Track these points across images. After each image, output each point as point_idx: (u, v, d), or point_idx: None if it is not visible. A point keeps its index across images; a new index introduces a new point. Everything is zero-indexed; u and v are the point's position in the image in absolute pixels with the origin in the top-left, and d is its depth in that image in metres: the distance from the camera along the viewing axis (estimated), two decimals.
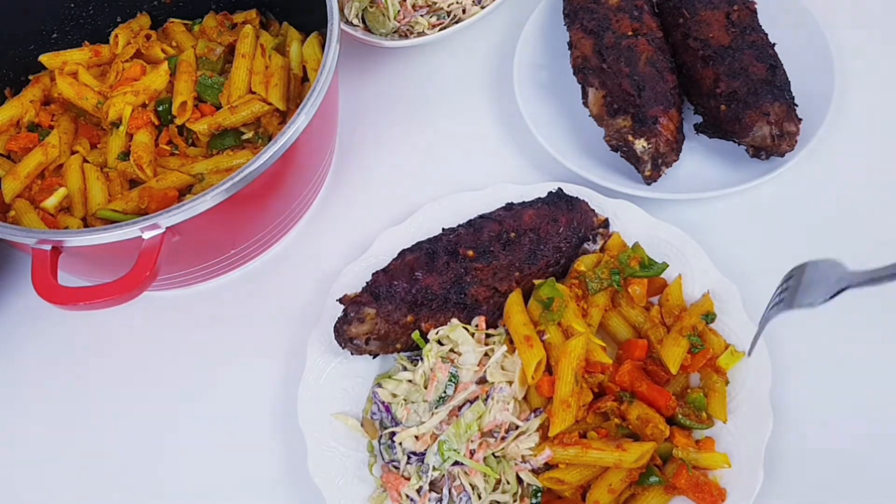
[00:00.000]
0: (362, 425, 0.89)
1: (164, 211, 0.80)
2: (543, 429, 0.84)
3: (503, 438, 0.83)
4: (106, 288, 0.78)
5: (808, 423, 0.86)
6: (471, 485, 0.82)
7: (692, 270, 0.92)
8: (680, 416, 0.83)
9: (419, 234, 0.96)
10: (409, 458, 0.85)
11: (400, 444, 0.85)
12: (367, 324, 0.87)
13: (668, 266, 0.92)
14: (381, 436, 0.87)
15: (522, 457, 0.83)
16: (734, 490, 0.80)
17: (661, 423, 0.82)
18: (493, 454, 0.83)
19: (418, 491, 0.83)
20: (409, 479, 0.84)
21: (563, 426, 0.81)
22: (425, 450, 0.84)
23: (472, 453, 0.83)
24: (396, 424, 0.87)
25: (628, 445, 0.80)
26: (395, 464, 0.85)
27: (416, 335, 0.89)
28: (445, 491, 0.83)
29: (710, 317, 0.89)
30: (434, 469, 0.83)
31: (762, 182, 0.97)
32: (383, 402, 0.88)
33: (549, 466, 0.83)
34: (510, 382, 0.86)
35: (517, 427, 0.84)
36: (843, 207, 1.00)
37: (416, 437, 0.85)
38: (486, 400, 0.84)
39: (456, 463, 0.83)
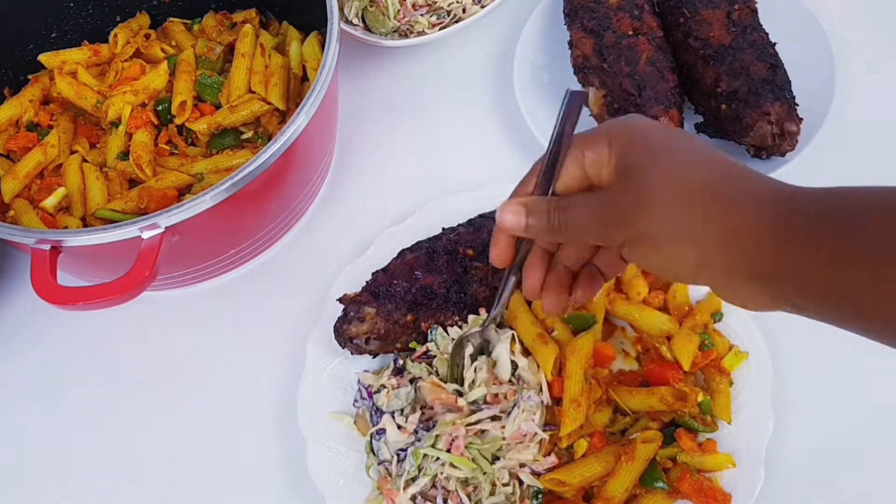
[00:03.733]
0: (355, 422, 0.88)
1: (163, 211, 0.80)
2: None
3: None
4: (105, 288, 0.78)
5: (808, 422, 0.86)
6: (466, 495, 0.80)
7: None
8: (688, 419, 0.83)
9: (419, 233, 0.96)
10: (398, 455, 0.83)
11: (383, 440, 0.84)
12: (367, 323, 0.87)
13: None
14: (372, 434, 0.86)
15: (521, 463, 0.82)
16: (735, 490, 0.80)
17: (668, 393, 0.82)
18: (478, 451, 0.81)
19: (413, 500, 0.81)
20: (400, 477, 0.82)
21: (574, 425, 0.81)
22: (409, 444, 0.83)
23: (452, 440, 0.81)
24: (379, 413, 0.85)
25: (633, 453, 0.80)
26: (386, 465, 0.84)
27: (414, 345, 0.89)
28: (440, 501, 0.81)
29: (718, 315, 0.89)
30: (413, 471, 0.80)
31: None
32: (367, 388, 0.88)
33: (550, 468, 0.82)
34: (538, 389, 0.84)
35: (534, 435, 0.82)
36: None
37: (399, 427, 0.83)
38: (512, 408, 0.83)
39: (437, 459, 0.81)
